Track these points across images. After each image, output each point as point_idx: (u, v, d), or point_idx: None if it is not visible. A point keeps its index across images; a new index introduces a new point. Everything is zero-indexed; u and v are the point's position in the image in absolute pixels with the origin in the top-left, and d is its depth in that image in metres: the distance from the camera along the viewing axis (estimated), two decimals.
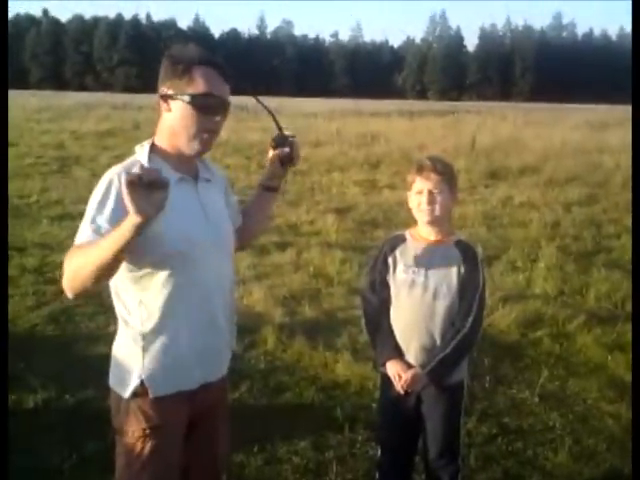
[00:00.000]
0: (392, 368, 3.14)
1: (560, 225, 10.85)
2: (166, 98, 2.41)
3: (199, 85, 2.40)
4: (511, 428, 4.54)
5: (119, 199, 2.16)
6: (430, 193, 3.06)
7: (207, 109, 2.43)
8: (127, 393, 2.44)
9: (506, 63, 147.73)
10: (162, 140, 2.48)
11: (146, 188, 1.95)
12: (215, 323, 2.57)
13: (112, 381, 2.52)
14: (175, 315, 2.44)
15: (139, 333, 2.43)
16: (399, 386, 3.11)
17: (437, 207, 3.07)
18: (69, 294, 2.25)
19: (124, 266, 2.33)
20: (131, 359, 2.45)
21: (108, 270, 2.16)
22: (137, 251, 2.25)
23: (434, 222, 3.13)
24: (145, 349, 2.43)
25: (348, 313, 6.47)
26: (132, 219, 1.99)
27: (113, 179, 2.32)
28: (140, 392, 2.43)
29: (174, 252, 2.38)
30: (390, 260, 3.22)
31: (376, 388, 3.66)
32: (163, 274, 2.39)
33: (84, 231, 2.27)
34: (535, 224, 10.86)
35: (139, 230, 2.02)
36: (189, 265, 2.43)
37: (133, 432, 2.45)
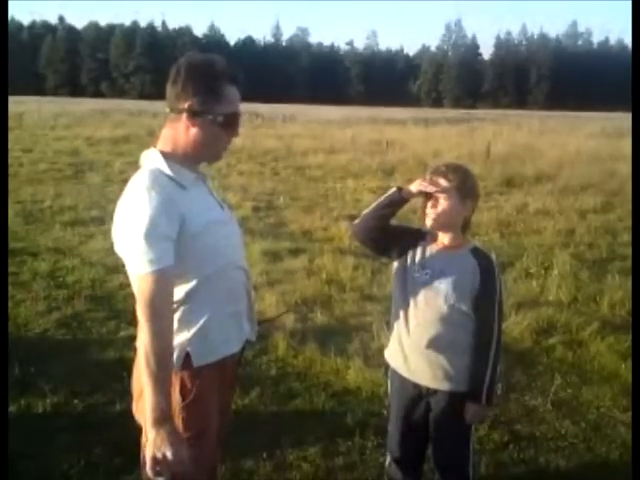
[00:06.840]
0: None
1: (575, 232, 10.78)
2: (194, 114, 2.36)
3: (229, 104, 2.42)
4: (523, 435, 4.48)
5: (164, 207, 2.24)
6: (435, 198, 2.97)
7: (234, 128, 2.47)
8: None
9: (521, 71, 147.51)
10: (176, 148, 2.44)
11: None
12: (239, 292, 2.64)
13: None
14: (207, 294, 2.46)
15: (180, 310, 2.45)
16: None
17: (441, 212, 2.96)
18: None
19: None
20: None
21: None
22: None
23: (438, 228, 3.04)
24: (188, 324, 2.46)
25: (360, 319, 6.44)
26: None
27: (150, 193, 2.28)
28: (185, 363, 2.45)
29: (205, 235, 2.40)
30: (410, 251, 3.14)
31: (387, 395, 3.62)
32: (198, 251, 2.40)
33: (157, 251, 2.24)
34: (549, 231, 10.81)
35: None
36: (219, 243, 2.47)
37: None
